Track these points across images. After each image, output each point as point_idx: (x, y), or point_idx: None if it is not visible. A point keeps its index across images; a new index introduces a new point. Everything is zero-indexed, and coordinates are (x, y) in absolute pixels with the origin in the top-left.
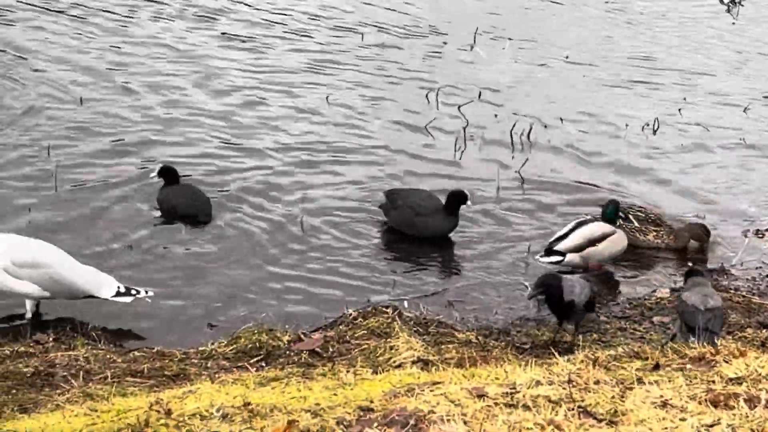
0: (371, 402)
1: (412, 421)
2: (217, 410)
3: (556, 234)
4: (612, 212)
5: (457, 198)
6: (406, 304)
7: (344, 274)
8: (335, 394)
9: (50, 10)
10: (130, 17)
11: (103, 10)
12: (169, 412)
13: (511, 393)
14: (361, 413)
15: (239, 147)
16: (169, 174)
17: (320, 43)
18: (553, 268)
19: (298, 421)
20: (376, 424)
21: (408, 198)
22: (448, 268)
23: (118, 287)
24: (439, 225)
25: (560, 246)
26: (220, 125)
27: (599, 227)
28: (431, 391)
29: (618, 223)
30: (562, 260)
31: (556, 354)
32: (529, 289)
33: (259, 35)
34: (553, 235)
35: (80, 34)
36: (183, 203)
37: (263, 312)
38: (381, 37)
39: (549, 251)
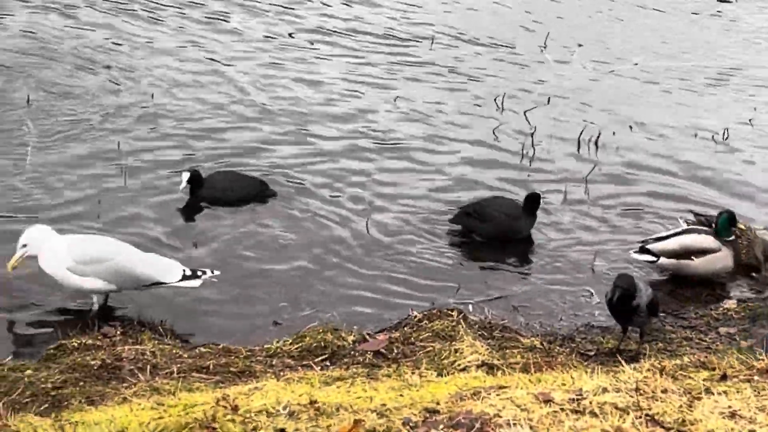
0: (437, 404)
1: (477, 425)
2: (284, 407)
3: (658, 234)
4: (724, 224)
5: (535, 200)
6: (470, 307)
7: (408, 276)
8: (401, 395)
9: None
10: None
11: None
12: (235, 408)
13: (578, 399)
14: (427, 415)
15: (308, 143)
16: (196, 180)
17: (391, 46)
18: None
19: (364, 421)
20: (441, 426)
21: (491, 207)
22: (512, 273)
23: (184, 271)
24: (526, 226)
25: (654, 246)
26: (292, 120)
27: (702, 240)
28: (497, 395)
29: (732, 238)
30: (656, 261)
31: (622, 362)
32: (594, 294)
33: (330, 39)
34: (624, 241)
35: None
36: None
37: (328, 311)
38: (450, 41)
39: (643, 249)
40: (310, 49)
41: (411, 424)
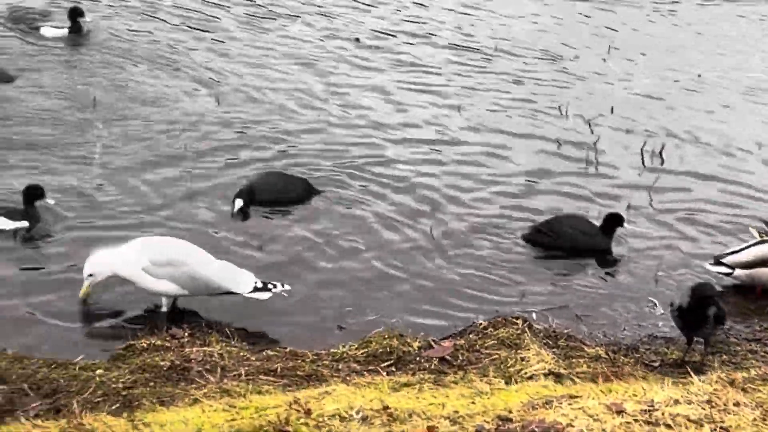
0: (510, 412)
1: None
2: (357, 412)
3: (732, 248)
4: None
5: (617, 220)
6: (534, 315)
7: (471, 283)
8: (473, 403)
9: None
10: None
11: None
12: (308, 412)
13: (650, 410)
14: (500, 423)
15: (374, 148)
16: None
17: (457, 55)
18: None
19: (437, 428)
20: None
21: (565, 224)
22: (575, 282)
23: (256, 282)
24: (602, 244)
25: (729, 259)
26: (358, 125)
27: None
28: (569, 404)
29: None
30: (731, 273)
31: (691, 373)
32: (658, 305)
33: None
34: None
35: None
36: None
37: (392, 317)
38: (514, 51)
39: (717, 261)
40: (376, 58)
41: None
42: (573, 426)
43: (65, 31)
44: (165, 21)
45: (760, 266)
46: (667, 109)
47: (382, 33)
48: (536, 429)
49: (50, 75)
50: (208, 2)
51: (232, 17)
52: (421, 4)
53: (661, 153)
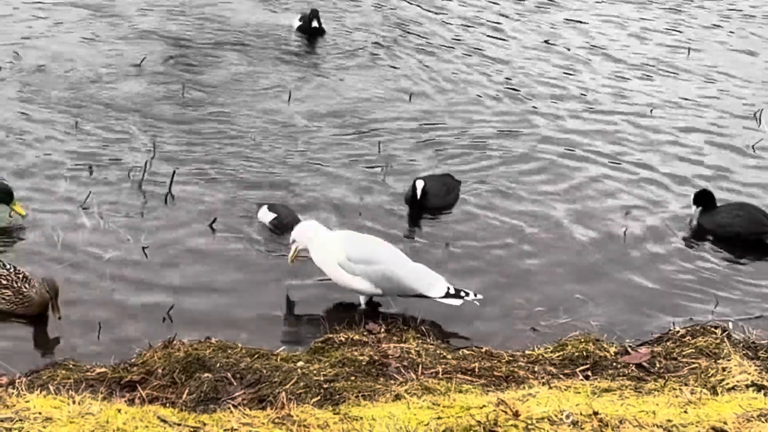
0: (724, 423)
1: None
2: (567, 416)
3: None
4: None
5: None
6: (730, 324)
7: (663, 287)
8: (685, 412)
9: None
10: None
11: None
12: (516, 414)
13: None
14: None
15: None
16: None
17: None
18: None
19: None
20: None
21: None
22: (762, 290)
23: (448, 288)
24: None
25: None
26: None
27: None
28: None
29: None
30: None
31: None
32: None
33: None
34: None
35: None
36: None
37: (584, 320)
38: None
39: None
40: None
41: None
42: None
43: None
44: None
45: None
46: None
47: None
48: None
49: None
50: None
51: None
52: None
53: None
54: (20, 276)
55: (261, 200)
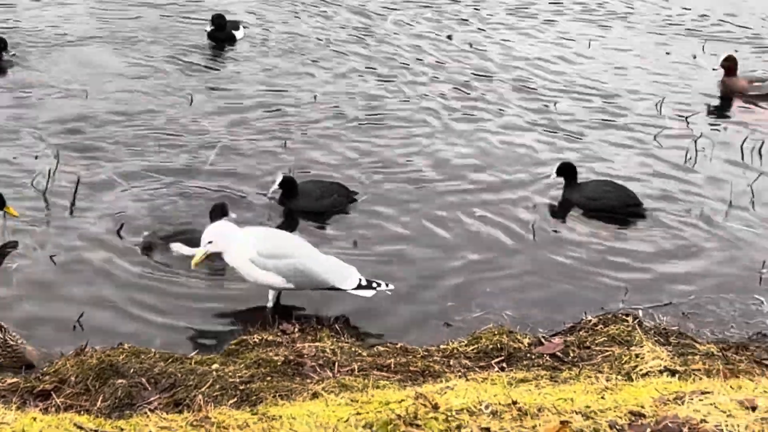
0: (641, 407)
1: (685, 429)
2: (485, 407)
3: None
4: None
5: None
6: (640, 312)
7: (573, 279)
8: (602, 398)
9: None
10: None
11: None
12: (436, 407)
13: None
14: (633, 418)
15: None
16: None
17: None
18: None
19: (570, 422)
20: (649, 430)
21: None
22: (679, 280)
23: (360, 279)
24: None
25: None
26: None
27: None
28: (700, 400)
29: None
30: None
31: None
32: (765, 303)
33: None
34: None
35: None
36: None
37: (497, 313)
38: None
39: None
40: None
41: (617, 427)
42: (707, 422)
43: None
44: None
45: None
46: None
47: None
48: (670, 424)
49: None
50: None
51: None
52: None
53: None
54: None
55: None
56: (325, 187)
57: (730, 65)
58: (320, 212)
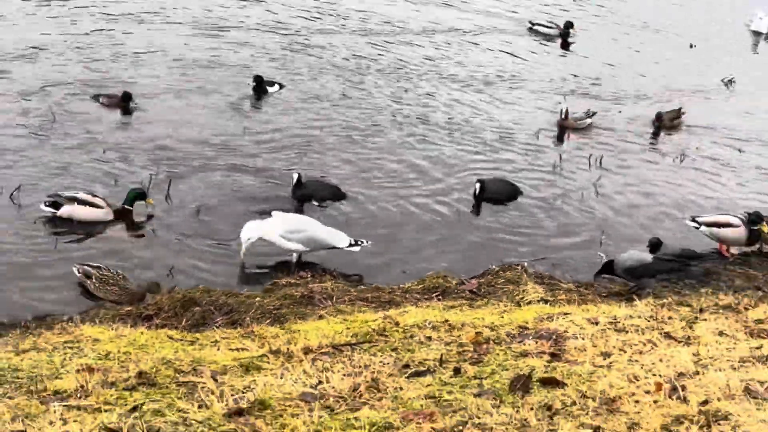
0: (526, 323)
1: (554, 336)
2: (428, 323)
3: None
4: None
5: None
6: (526, 263)
7: (485, 243)
8: (501, 317)
9: None
10: None
11: None
12: (397, 323)
13: (615, 322)
14: (521, 329)
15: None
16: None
17: None
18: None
19: (481, 332)
20: (531, 337)
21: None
22: (550, 242)
23: (350, 240)
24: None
25: (700, 219)
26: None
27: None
28: (563, 318)
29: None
30: (699, 228)
31: (635, 298)
32: (604, 256)
33: None
34: None
35: None
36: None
37: (437, 264)
38: None
39: (693, 219)
40: None
41: (511, 335)
42: (567, 332)
43: None
44: None
45: (720, 227)
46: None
47: None
48: (544, 333)
49: None
50: None
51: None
52: None
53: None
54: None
55: None
56: (322, 185)
57: (565, 112)
58: (320, 200)
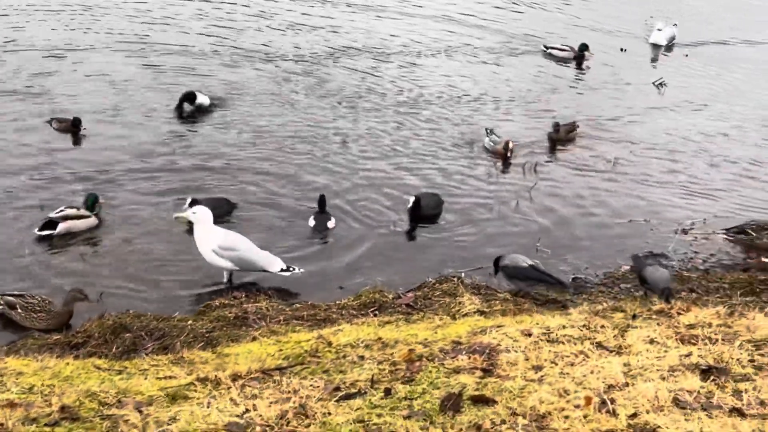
0: (460, 338)
1: (487, 350)
2: (361, 342)
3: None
4: None
5: None
6: (462, 274)
7: (421, 255)
8: (435, 332)
9: None
10: None
11: None
12: (330, 343)
13: (548, 333)
14: (454, 344)
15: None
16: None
17: None
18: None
19: (414, 349)
20: (464, 352)
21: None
22: (486, 252)
23: (282, 266)
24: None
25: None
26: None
27: None
28: (497, 331)
29: None
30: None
31: (569, 307)
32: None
33: None
34: None
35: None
36: None
37: (373, 278)
38: None
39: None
40: None
41: (444, 351)
42: (500, 345)
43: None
44: None
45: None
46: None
47: None
48: (478, 348)
49: None
50: None
51: None
52: None
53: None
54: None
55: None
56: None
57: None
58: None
